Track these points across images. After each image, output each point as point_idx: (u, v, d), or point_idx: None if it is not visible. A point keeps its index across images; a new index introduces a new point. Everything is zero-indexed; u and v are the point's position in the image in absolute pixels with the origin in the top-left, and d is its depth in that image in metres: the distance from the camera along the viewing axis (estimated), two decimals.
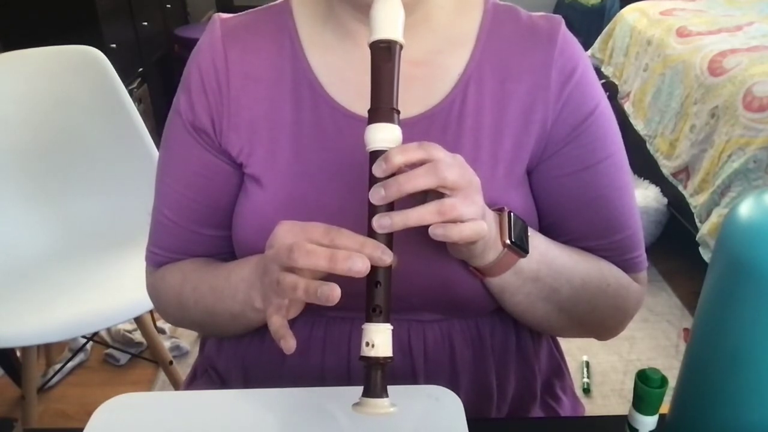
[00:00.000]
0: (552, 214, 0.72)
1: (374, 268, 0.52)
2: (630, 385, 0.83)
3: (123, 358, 1.89)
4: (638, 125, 2.38)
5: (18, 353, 1.61)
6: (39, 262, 1.50)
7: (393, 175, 0.52)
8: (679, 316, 2.07)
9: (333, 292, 0.50)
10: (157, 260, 0.77)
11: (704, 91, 1.98)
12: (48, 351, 1.84)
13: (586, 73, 0.69)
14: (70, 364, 1.84)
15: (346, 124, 0.68)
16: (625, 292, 0.72)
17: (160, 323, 1.91)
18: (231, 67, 0.69)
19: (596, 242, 0.72)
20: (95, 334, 1.81)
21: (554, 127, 0.68)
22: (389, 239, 0.54)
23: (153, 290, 0.78)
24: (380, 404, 0.51)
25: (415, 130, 0.65)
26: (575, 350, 1.90)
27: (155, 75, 2.95)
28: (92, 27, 2.30)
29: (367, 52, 0.56)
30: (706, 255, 1.86)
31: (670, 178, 2.13)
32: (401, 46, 0.56)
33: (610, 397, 1.78)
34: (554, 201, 0.71)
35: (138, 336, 1.89)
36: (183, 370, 1.68)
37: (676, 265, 2.25)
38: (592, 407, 1.74)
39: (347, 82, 0.69)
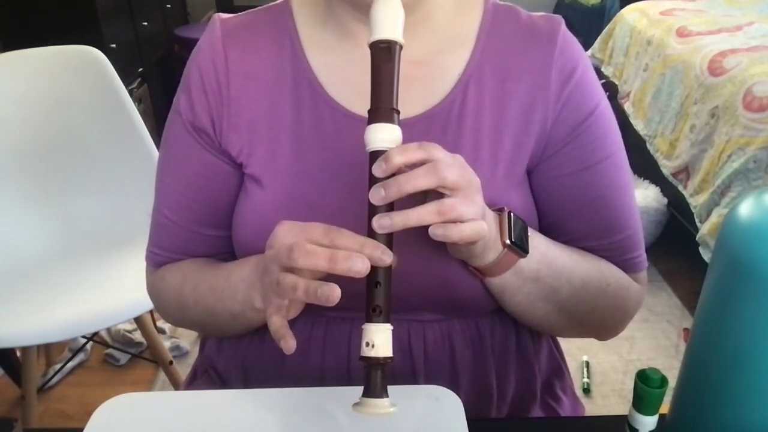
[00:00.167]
0: (552, 214, 0.72)
1: (374, 269, 0.52)
2: (630, 385, 0.83)
3: (123, 358, 1.89)
4: (638, 125, 2.38)
5: (18, 353, 1.61)
6: (39, 262, 1.50)
7: (393, 175, 0.52)
8: (679, 316, 2.07)
9: (333, 293, 0.50)
10: (157, 260, 0.77)
11: (704, 91, 1.98)
12: (48, 351, 1.84)
13: (586, 73, 0.69)
14: (70, 364, 1.84)
15: (346, 124, 0.68)
16: (625, 292, 0.72)
17: (160, 323, 1.91)
18: (231, 67, 0.69)
19: (596, 242, 0.72)
20: (95, 334, 1.81)
21: (554, 127, 0.68)
22: (389, 239, 0.54)
23: (153, 290, 0.78)
24: (380, 404, 0.51)
25: (415, 130, 0.65)
26: (575, 350, 1.90)
27: (155, 75, 2.95)
28: (92, 27, 2.30)
29: (367, 52, 0.56)
30: (706, 255, 1.86)
31: (670, 178, 2.13)
32: (401, 46, 0.56)
33: (610, 397, 1.78)
34: (554, 201, 0.71)
35: (138, 336, 1.89)
36: (183, 370, 1.68)
37: (676, 265, 2.25)
38: (592, 407, 1.74)
39: (347, 82, 0.69)
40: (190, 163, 0.72)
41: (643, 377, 0.54)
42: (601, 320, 0.74)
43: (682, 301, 2.14)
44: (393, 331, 0.53)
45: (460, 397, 0.63)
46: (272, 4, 0.73)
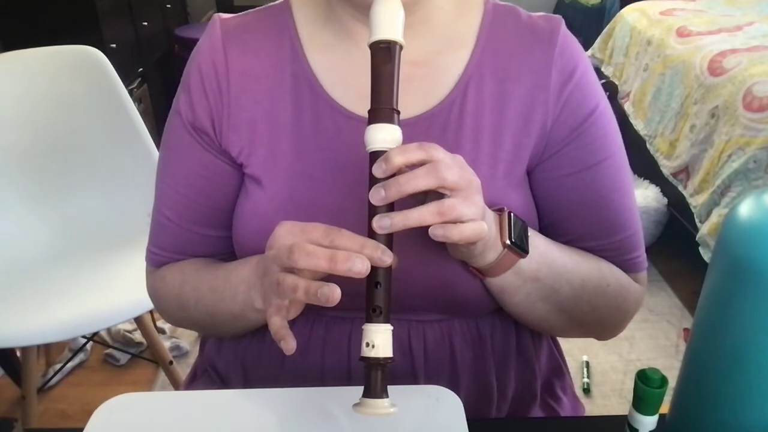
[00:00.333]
0: (552, 214, 0.72)
1: (374, 269, 0.52)
2: (630, 385, 0.83)
3: (123, 358, 1.89)
4: (638, 125, 2.38)
5: (18, 353, 1.61)
6: (39, 262, 1.50)
7: (393, 175, 0.52)
8: (679, 316, 2.07)
9: (333, 293, 0.50)
10: (157, 260, 0.77)
11: (704, 91, 1.98)
12: (48, 351, 1.84)
13: (586, 74, 0.69)
14: (70, 364, 1.84)
15: (346, 124, 0.68)
16: (625, 292, 0.72)
17: (160, 323, 1.91)
18: (231, 68, 0.69)
19: (596, 242, 0.72)
20: (95, 334, 1.81)
21: (554, 128, 0.68)
22: (389, 240, 0.54)
23: (153, 290, 0.78)
24: (380, 404, 0.51)
25: (415, 131, 0.65)
26: (575, 350, 1.90)
27: (155, 75, 2.95)
28: (92, 27, 2.30)
29: (367, 52, 0.56)
30: (706, 255, 1.86)
31: (670, 178, 2.13)
32: (401, 47, 0.56)
33: (610, 397, 1.78)
34: (554, 201, 0.71)
35: (138, 336, 1.89)
36: (183, 370, 1.68)
37: (676, 265, 2.25)
38: (592, 407, 1.74)
39: (347, 83, 0.69)
40: (190, 164, 0.72)
41: (643, 377, 0.54)
42: (601, 320, 0.74)
43: (682, 301, 2.14)
44: (393, 331, 0.53)
45: (460, 397, 0.63)
46: (272, 4, 0.73)
